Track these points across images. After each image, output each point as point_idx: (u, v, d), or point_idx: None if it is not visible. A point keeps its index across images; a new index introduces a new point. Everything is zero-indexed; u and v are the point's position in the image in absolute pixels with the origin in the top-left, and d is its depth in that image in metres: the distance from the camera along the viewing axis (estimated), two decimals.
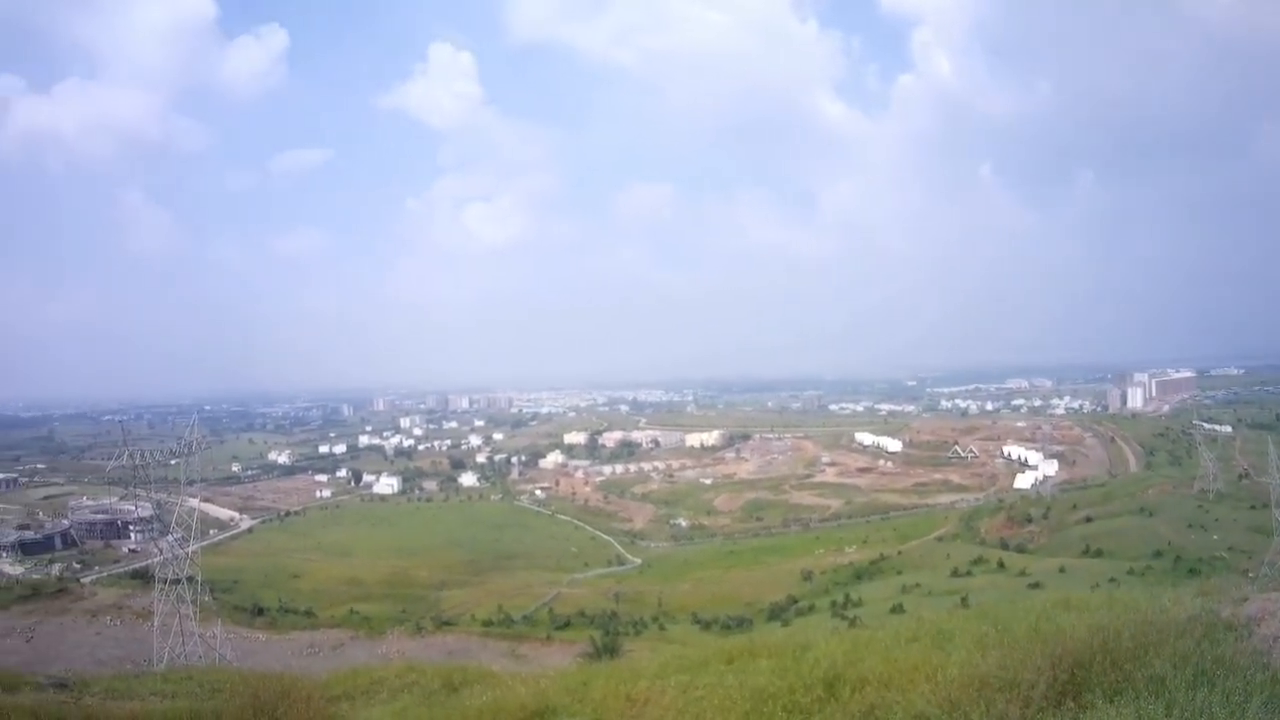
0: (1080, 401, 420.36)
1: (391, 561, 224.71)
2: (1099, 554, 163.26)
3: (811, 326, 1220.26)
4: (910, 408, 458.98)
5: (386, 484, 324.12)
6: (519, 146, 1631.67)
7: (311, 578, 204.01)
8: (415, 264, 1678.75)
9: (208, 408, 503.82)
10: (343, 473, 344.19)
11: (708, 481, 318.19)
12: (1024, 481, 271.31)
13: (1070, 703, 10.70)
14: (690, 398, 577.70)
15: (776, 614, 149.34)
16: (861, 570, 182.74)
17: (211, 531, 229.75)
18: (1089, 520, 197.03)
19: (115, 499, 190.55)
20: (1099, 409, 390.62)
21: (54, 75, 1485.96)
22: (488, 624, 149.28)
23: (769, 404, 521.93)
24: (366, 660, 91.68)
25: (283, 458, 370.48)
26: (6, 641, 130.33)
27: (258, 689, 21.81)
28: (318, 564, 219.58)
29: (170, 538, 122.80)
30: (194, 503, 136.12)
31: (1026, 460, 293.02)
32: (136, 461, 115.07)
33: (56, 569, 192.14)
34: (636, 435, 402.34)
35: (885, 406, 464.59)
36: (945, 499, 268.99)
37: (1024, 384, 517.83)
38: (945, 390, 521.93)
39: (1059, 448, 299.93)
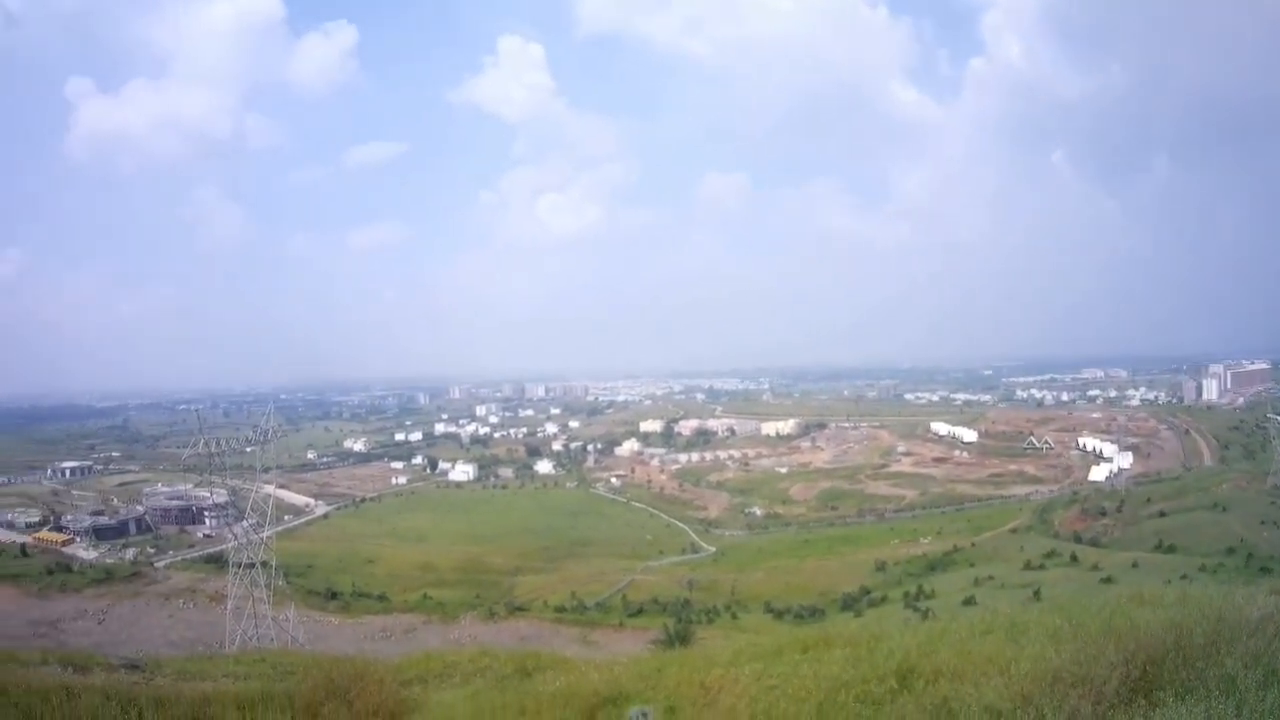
0: (1155, 392, 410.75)
1: (466, 547, 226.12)
2: (1171, 549, 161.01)
3: (886, 314, 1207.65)
4: (986, 397, 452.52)
5: (462, 471, 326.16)
6: (591, 137, 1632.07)
7: (385, 563, 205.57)
8: (490, 255, 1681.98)
9: (284, 396, 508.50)
10: (418, 460, 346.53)
11: (783, 470, 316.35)
12: (1099, 474, 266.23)
13: (1141, 700, 10.72)
14: (766, 386, 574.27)
15: (849, 604, 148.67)
16: (935, 561, 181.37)
17: (286, 517, 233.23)
18: (1162, 515, 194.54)
19: (190, 485, 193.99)
20: (1174, 400, 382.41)
21: (123, 77, 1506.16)
22: (560, 610, 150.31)
23: (844, 392, 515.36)
24: (439, 645, 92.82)
25: (358, 445, 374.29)
26: (79, 624, 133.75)
27: (330, 671, 22.12)
28: (392, 549, 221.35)
29: (245, 523, 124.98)
30: (269, 489, 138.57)
31: (1101, 452, 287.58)
32: (212, 449, 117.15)
33: (130, 554, 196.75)
34: (712, 424, 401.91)
35: (961, 396, 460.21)
36: (1020, 490, 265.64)
37: (1099, 374, 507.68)
38: (1021, 380, 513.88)
39: (1133, 440, 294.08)
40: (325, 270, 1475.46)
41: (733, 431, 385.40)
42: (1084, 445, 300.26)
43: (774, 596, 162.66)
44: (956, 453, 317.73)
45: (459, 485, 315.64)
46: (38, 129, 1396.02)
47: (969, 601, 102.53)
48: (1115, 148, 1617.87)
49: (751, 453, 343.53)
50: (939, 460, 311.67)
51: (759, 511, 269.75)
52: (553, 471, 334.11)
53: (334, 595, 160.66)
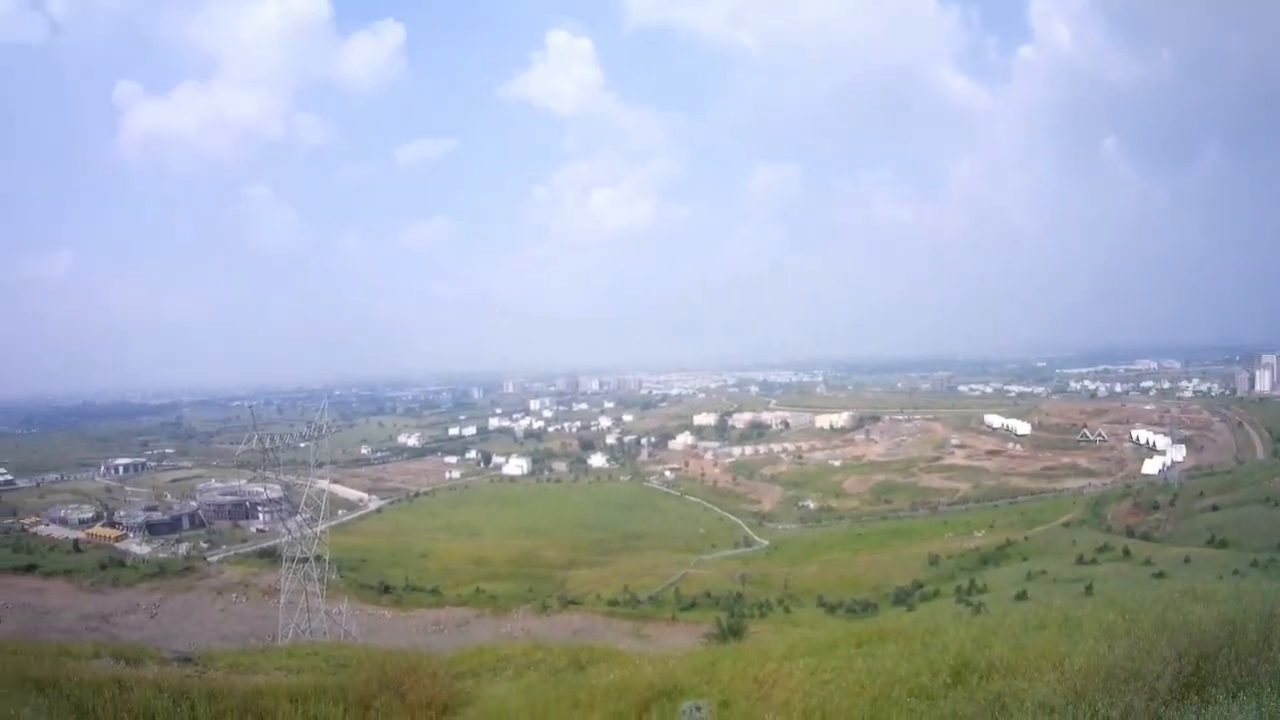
0: (1208, 384, 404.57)
1: (519, 541, 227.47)
2: (1224, 544, 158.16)
3: (938, 306, 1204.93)
4: (1039, 389, 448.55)
5: (516, 465, 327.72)
6: (641, 131, 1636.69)
7: (439, 557, 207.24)
8: (542, 249, 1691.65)
9: (337, 392, 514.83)
10: (472, 454, 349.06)
11: (836, 463, 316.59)
12: (1151, 467, 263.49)
13: (1194, 696, 10.69)
14: (819, 379, 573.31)
15: (902, 598, 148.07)
16: (988, 555, 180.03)
17: (340, 512, 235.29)
18: (1214, 509, 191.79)
19: (244, 481, 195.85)
20: (1226, 392, 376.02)
21: (172, 80, 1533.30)
22: (613, 604, 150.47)
23: (898, 385, 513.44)
24: (492, 638, 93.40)
25: (412, 440, 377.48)
26: (131, 618, 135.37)
27: (383, 665, 22.43)
28: (445, 543, 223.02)
29: (298, 517, 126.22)
30: (323, 484, 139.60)
31: (1154, 444, 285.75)
32: (266, 445, 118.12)
33: (184, 549, 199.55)
34: (766, 417, 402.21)
35: (1014, 388, 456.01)
36: (1073, 483, 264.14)
37: (1152, 365, 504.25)
38: (1074, 371, 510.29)
39: (1186, 432, 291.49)
40: (377, 267, 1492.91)
41: (786, 424, 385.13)
42: (1137, 438, 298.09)
43: (827, 590, 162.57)
44: (1010, 445, 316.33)
45: (512, 479, 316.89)
46: (89, 133, 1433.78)
47: (1021, 596, 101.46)
48: (1167, 134, 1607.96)
49: (805, 446, 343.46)
50: (992, 453, 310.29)
51: (812, 505, 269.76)
52: (606, 465, 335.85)
53: (387, 589, 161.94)
